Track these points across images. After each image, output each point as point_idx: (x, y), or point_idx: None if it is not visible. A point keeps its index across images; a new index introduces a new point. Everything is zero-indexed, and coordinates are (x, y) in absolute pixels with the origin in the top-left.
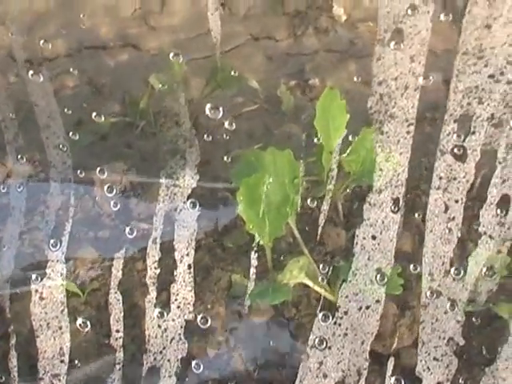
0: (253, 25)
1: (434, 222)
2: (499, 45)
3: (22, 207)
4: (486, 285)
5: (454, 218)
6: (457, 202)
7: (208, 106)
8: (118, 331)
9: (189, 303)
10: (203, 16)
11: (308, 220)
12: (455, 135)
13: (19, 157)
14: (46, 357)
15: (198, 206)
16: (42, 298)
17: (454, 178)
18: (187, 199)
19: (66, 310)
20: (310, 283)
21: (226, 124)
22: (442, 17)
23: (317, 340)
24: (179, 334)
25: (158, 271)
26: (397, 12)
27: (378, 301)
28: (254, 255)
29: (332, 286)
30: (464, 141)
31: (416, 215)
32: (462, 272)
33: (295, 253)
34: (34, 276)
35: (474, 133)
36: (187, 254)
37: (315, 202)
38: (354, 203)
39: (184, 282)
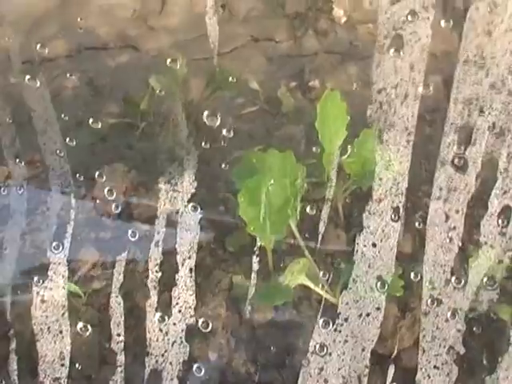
0: (253, 26)
1: (434, 232)
2: (500, 53)
3: (22, 209)
4: (486, 294)
5: (454, 228)
6: (457, 212)
7: (205, 113)
8: (118, 335)
9: (190, 307)
10: (203, 17)
11: (309, 222)
12: (455, 146)
13: (18, 160)
14: (46, 360)
15: (199, 210)
16: (43, 301)
17: (455, 189)
18: (188, 202)
19: (66, 313)
20: (310, 284)
21: (224, 131)
22: (443, 23)
23: (317, 346)
24: (180, 338)
25: (159, 274)
26: (396, 18)
27: (378, 308)
28: (255, 259)
29: (333, 288)
30: (464, 151)
31: (417, 221)
32: (463, 281)
33: (296, 254)
34: (35, 278)
35: (474, 143)
36: (189, 257)
37: (316, 204)
38: (354, 205)
39: (185, 285)
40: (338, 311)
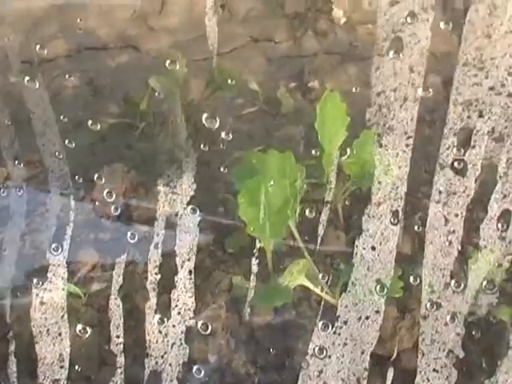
0: (252, 27)
1: (433, 235)
2: (500, 55)
3: (21, 210)
4: (486, 298)
5: (454, 232)
6: (457, 216)
7: (204, 115)
8: (118, 337)
9: (189, 309)
10: (203, 17)
11: (308, 223)
12: (455, 149)
13: (17, 161)
14: (45, 362)
15: (198, 212)
16: (42, 303)
17: (454, 193)
18: (187, 205)
19: (66, 315)
20: (310, 285)
21: (224, 132)
22: (442, 25)
23: (316, 349)
24: (180, 340)
25: (158, 276)
26: (396, 20)
27: (377, 311)
28: (254, 261)
29: (332, 289)
30: (464, 155)
31: (416, 224)
32: (463, 285)
33: (296, 255)
34: (34, 280)
35: (474, 147)
36: (188, 260)
37: (315, 205)
38: (354, 206)
39: (185, 287)
40: (338, 314)
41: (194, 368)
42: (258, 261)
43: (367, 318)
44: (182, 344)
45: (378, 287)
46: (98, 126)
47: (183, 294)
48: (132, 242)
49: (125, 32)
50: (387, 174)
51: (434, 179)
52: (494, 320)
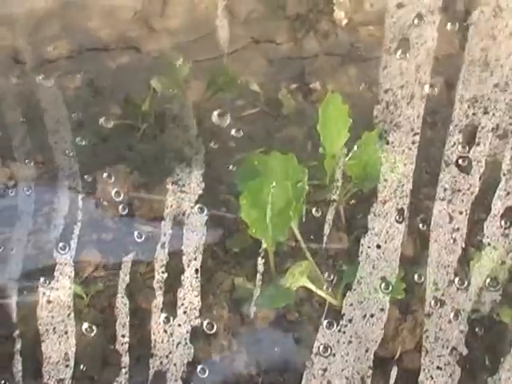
0: (254, 28)
1: (438, 233)
2: (505, 55)
3: (27, 210)
4: (489, 295)
5: (458, 229)
6: (461, 213)
7: (215, 112)
8: (123, 336)
9: (195, 308)
10: (204, 18)
11: (310, 224)
12: (460, 146)
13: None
14: (51, 361)
15: (205, 211)
16: (49, 302)
17: (459, 190)
18: (195, 204)
19: (72, 313)
20: (312, 287)
21: (233, 131)
22: (449, 26)
23: (321, 347)
24: (185, 339)
25: (165, 275)
26: (403, 22)
27: (382, 309)
28: (260, 260)
29: (335, 290)
30: (469, 152)
31: (419, 223)
32: (466, 282)
33: (298, 257)
34: (42, 279)
35: (478, 144)
36: (195, 259)
37: (317, 206)
38: (355, 207)
39: (191, 286)
40: (342, 312)
41: (198, 368)
42: (264, 260)
43: (372, 315)
44: (187, 343)
45: (383, 285)
46: (111, 123)
47: (189, 293)
48: (135, 242)
49: (126, 33)
50: (393, 171)
51: (439, 177)
52: (498, 317)
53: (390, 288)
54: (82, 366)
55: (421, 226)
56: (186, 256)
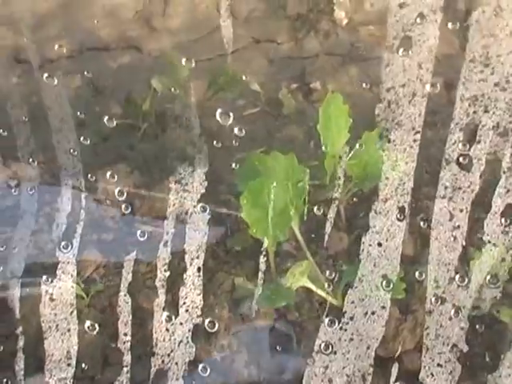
0: (254, 28)
1: (439, 231)
2: (505, 53)
3: (32, 209)
4: (490, 292)
5: (459, 227)
6: (462, 211)
7: (218, 111)
8: (125, 334)
9: (197, 307)
10: (205, 18)
11: (310, 224)
12: (461, 144)
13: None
14: (53, 359)
15: (208, 210)
16: (51, 300)
17: (459, 188)
18: (197, 203)
19: (75, 311)
20: (312, 287)
21: (236, 130)
22: (450, 25)
23: (322, 345)
24: (187, 338)
25: (167, 274)
26: (405, 20)
27: (383, 307)
28: (262, 259)
29: (335, 290)
30: (469, 150)
31: (420, 222)
32: (467, 279)
33: (298, 257)
34: (44, 277)
35: (479, 142)
36: (197, 257)
37: (318, 206)
38: (356, 207)
39: (193, 285)
40: (344, 310)
41: (200, 367)
42: (265, 259)
43: (373, 313)
44: (188, 342)
45: (384, 283)
46: (114, 122)
47: (191, 292)
48: (136, 241)
49: (127, 33)
50: (394, 169)
51: (440, 175)
52: (498, 315)
53: (391, 286)
54: (83, 365)
55: (422, 223)
56: (189, 255)
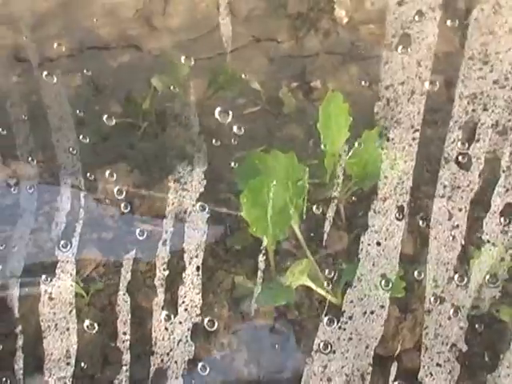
0: (255, 26)
1: (437, 230)
2: (504, 50)
3: (31, 208)
4: (489, 292)
5: (457, 226)
6: (460, 210)
7: (218, 109)
8: (124, 333)
9: (196, 306)
10: (205, 17)
11: (310, 222)
12: (459, 143)
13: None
14: (52, 358)
15: (207, 209)
16: (51, 299)
17: (458, 187)
18: (196, 202)
19: (74, 311)
20: (312, 285)
21: (235, 128)
22: (449, 22)
23: (321, 344)
24: (186, 336)
25: (166, 273)
26: (404, 18)
27: (382, 306)
28: (261, 258)
29: (334, 288)
30: (468, 148)
31: (420, 221)
32: (466, 279)
33: (298, 255)
34: (43, 276)
35: (478, 140)
36: (196, 256)
37: (317, 205)
38: (356, 206)
39: (192, 284)
40: (343, 309)
41: (199, 365)
42: (264, 257)
43: (372, 312)
44: (187, 341)
45: (383, 282)
46: (114, 121)
47: (190, 291)
48: (135, 240)
49: (127, 31)
50: (393, 168)
51: (439, 173)
52: (497, 314)
53: (390, 285)
54: (82, 364)
55: (421, 223)
56: (188, 254)
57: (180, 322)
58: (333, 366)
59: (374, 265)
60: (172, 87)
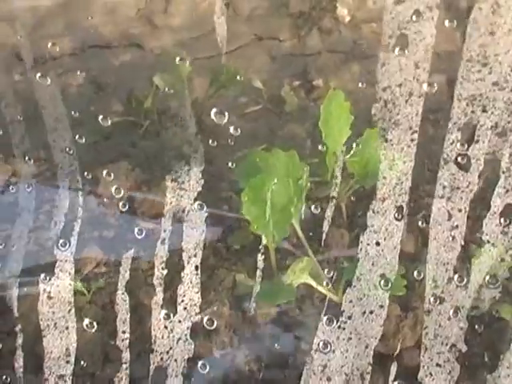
0: (257, 25)
1: (437, 230)
2: (503, 52)
3: (30, 207)
4: (488, 292)
5: (457, 226)
6: (460, 211)
7: (213, 110)
8: (124, 332)
9: (195, 304)
10: (207, 16)
11: (312, 221)
12: (459, 144)
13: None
14: (51, 357)
15: (205, 208)
16: (49, 297)
17: (458, 188)
18: (194, 201)
19: (73, 309)
20: (313, 283)
21: (231, 129)
22: (447, 23)
23: (321, 343)
24: (185, 335)
25: (165, 272)
26: (401, 18)
27: (381, 306)
28: (260, 257)
29: (335, 287)
30: (467, 150)
31: (419, 221)
32: (466, 279)
33: (299, 253)
34: (42, 275)
35: (477, 141)
36: (195, 255)
37: (319, 203)
38: (357, 204)
39: (191, 282)
40: (342, 309)
41: (199, 363)
42: (263, 256)
43: (371, 312)
44: (187, 339)
45: (383, 282)
46: (104, 123)
47: (189, 290)
48: (136, 238)
49: (129, 30)
50: (392, 169)
51: (438, 174)
52: (497, 314)
53: (390, 285)
54: (82, 362)
55: (420, 223)
56: (186, 252)
57: (179, 321)
58: (332, 366)
59: (373, 265)
60: (174, 86)
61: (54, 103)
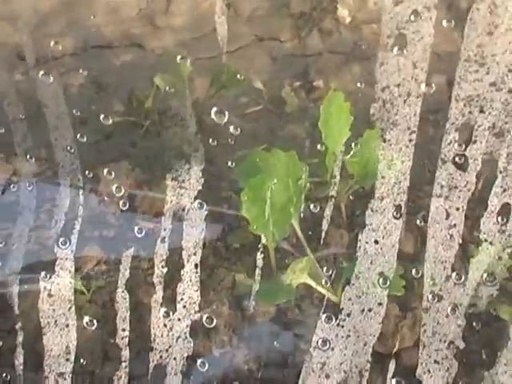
0: (258, 26)
1: (435, 229)
2: (500, 52)
3: (31, 206)
4: (486, 290)
5: (455, 225)
6: (458, 209)
7: (214, 109)
8: (123, 330)
9: (195, 303)
10: (208, 16)
11: (311, 221)
12: (456, 144)
13: (28, 156)
14: (51, 355)
15: (205, 207)
16: (50, 295)
17: (456, 187)
18: (194, 200)
19: (73, 307)
20: (312, 283)
21: (231, 128)
22: (445, 23)
23: (320, 341)
24: (185, 333)
25: (165, 270)
26: (400, 18)
27: (380, 304)
28: (259, 256)
29: (335, 287)
30: (465, 150)
31: (417, 219)
32: (464, 277)
33: (298, 253)
34: (42, 273)
35: (475, 142)
36: (194, 254)
37: (318, 203)
38: (357, 204)
39: (191, 281)
40: (341, 307)
41: (198, 362)
42: (262, 255)
43: (370, 310)
44: (186, 338)
45: (381, 280)
46: (105, 122)
47: (189, 288)
48: (137, 237)
49: (130, 30)
50: (390, 168)
51: (436, 174)
52: (495, 312)
53: (388, 283)
54: (82, 360)
55: (418, 222)
56: (186, 251)
57: (179, 319)
58: (331, 363)
59: (371, 263)
60: (175, 86)
61: (55, 102)
